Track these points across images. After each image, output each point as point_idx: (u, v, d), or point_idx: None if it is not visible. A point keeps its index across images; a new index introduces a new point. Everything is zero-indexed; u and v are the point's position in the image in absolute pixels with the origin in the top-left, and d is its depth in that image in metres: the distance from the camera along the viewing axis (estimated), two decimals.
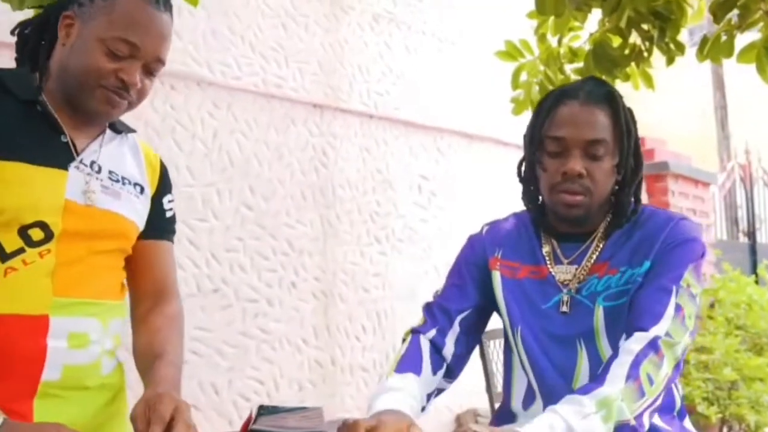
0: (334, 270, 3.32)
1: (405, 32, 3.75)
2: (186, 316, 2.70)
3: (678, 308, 1.30)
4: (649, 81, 2.75)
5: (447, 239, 3.80)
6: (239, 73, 3.10)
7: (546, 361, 1.40)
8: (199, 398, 2.85)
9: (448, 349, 1.44)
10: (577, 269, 1.43)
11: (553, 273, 1.44)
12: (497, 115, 4.01)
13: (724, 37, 2.39)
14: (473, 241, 1.55)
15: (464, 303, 1.48)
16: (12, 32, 1.28)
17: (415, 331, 1.47)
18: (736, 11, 2.35)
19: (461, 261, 1.53)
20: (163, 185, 1.37)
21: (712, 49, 2.36)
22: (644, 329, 1.27)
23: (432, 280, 3.71)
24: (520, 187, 1.53)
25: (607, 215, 1.45)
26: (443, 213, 3.81)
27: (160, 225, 1.35)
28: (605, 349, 1.37)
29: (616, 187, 1.42)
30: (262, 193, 3.12)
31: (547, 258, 1.46)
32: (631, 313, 1.32)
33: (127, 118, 1.32)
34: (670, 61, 2.61)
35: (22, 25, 1.28)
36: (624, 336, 1.30)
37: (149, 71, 1.21)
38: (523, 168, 1.50)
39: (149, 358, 1.20)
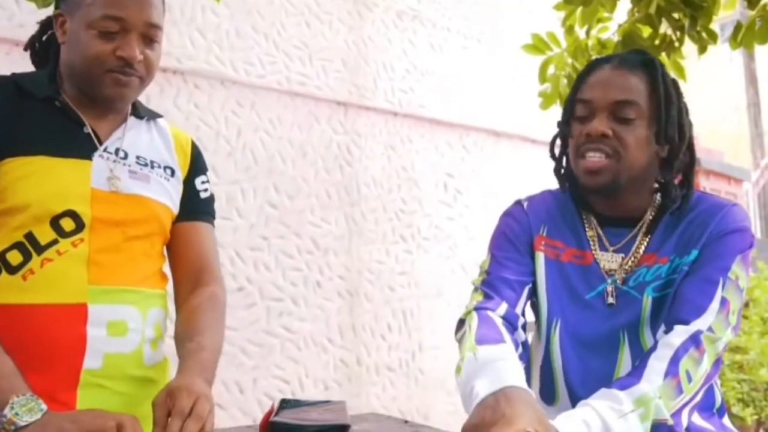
0: (359, 268, 3.29)
1: (429, 29, 3.71)
2: None
3: (723, 302, 1.22)
4: (680, 71, 2.67)
5: (473, 237, 3.75)
6: (263, 72, 3.08)
7: (581, 368, 1.31)
8: (223, 396, 2.83)
9: (522, 323, 1.31)
10: (624, 259, 1.33)
11: (598, 260, 1.34)
12: (524, 112, 3.95)
13: (758, 24, 2.32)
14: (516, 215, 1.42)
15: (527, 275, 1.36)
16: (25, 48, 1.32)
17: (480, 309, 1.29)
18: None
19: (508, 233, 1.39)
20: (196, 167, 1.35)
21: (746, 36, 2.29)
22: (686, 322, 1.19)
23: (458, 279, 3.67)
24: (548, 184, 1.44)
25: (655, 201, 1.35)
26: (469, 211, 3.76)
27: (194, 206, 1.32)
28: (648, 340, 1.28)
29: (659, 169, 1.31)
30: (286, 191, 3.10)
31: (591, 243, 1.36)
32: (673, 304, 1.24)
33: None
34: (702, 50, 2.53)
35: (32, 39, 1.31)
36: (664, 327, 1.22)
37: (148, 40, 1.19)
38: (557, 143, 1.39)
39: (183, 341, 1.18)
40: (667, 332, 1.20)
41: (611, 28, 2.73)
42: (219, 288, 1.30)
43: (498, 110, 3.94)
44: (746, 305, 4.47)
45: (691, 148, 1.35)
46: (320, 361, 3.13)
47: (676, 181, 1.33)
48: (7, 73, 1.24)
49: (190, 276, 1.29)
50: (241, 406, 2.88)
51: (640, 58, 1.31)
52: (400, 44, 3.57)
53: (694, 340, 1.17)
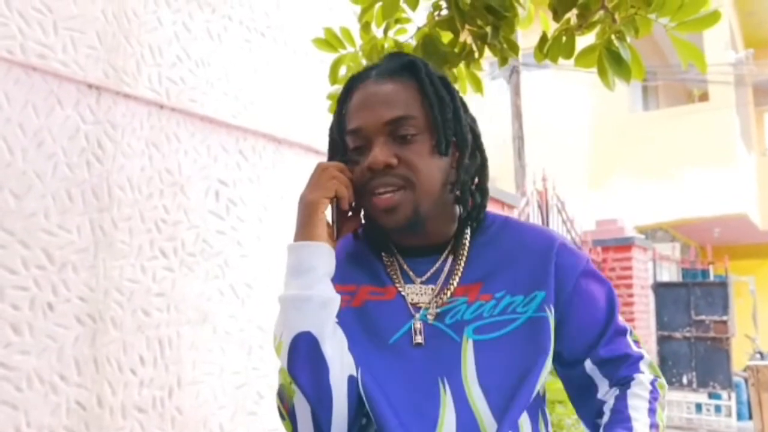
0: (106, 288, 2.70)
1: (208, 15, 3.25)
2: None
3: (636, 344, 1.20)
4: (477, 84, 2.54)
5: (247, 255, 3.32)
6: None
7: (394, 418, 1.02)
8: None
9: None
10: (434, 290, 1.10)
11: (403, 293, 1.10)
12: (309, 120, 3.63)
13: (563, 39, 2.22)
14: None
15: None
16: None
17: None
18: (575, 11, 2.19)
19: None
20: None
21: (552, 49, 2.18)
22: (633, 375, 1.16)
23: (228, 302, 3.21)
24: None
25: (454, 217, 1.14)
26: (243, 225, 3.33)
27: None
28: (474, 393, 1.03)
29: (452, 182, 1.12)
30: (11, 188, 2.44)
31: (393, 277, 1.12)
32: (606, 363, 1.16)
33: None
34: (503, 61, 2.41)
35: None
36: (611, 389, 1.16)
37: None
38: None
39: None
40: (622, 387, 1.15)
41: (410, 30, 2.54)
42: None
43: (280, 115, 3.57)
44: None
45: (480, 149, 1.16)
46: (48, 404, 2.49)
47: (473, 186, 1.14)
48: None
49: None
50: None
51: (400, 62, 1.11)
52: (171, 26, 3.06)
53: (654, 386, 1.15)
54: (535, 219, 6.06)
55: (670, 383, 8.75)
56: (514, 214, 5.33)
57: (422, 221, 1.08)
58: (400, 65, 1.11)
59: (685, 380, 8.68)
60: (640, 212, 10.10)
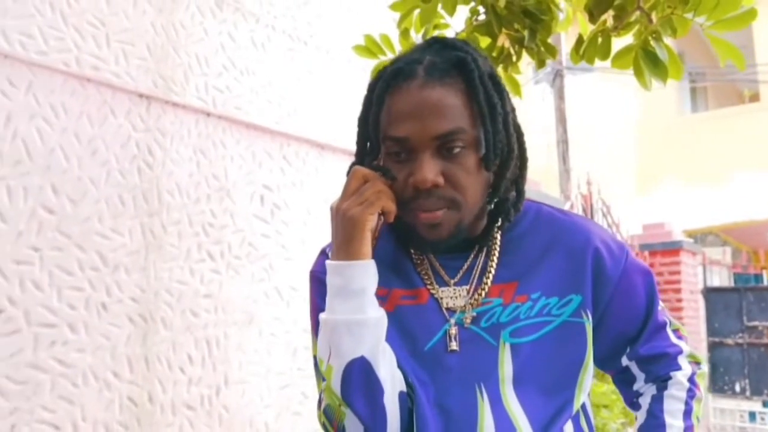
0: (156, 289, 2.81)
1: (252, 24, 3.35)
2: None
3: (676, 333, 1.20)
4: (516, 88, 2.56)
5: (291, 258, 3.40)
6: (45, 48, 2.54)
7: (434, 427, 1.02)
8: None
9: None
10: (468, 291, 1.08)
11: (437, 297, 1.09)
12: (351, 125, 3.70)
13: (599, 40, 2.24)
14: (323, 276, 1.11)
15: None
16: None
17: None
18: (611, 12, 2.20)
19: (324, 306, 1.08)
20: None
21: (588, 50, 2.19)
22: (672, 371, 1.18)
23: (273, 304, 3.30)
24: None
25: (484, 212, 1.12)
26: (288, 229, 3.41)
27: None
28: (512, 403, 1.02)
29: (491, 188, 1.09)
30: (68, 193, 2.56)
31: (425, 279, 1.11)
32: (644, 361, 1.18)
33: None
34: (541, 64, 2.43)
35: None
36: (648, 383, 1.19)
37: None
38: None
39: None
40: (660, 386, 1.17)
41: (448, 36, 2.57)
42: None
43: (323, 121, 3.65)
44: None
45: (523, 156, 1.13)
46: (102, 400, 2.60)
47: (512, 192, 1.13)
48: None
49: None
50: None
51: (450, 58, 1.04)
52: (217, 37, 3.17)
53: (692, 382, 1.17)
54: None
55: (721, 391, 8.55)
56: None
57: (462, 232, 1.06)
58: (449, 63, 1.03)
59: (737, 388, 8.46)
60: (690, 216, 9.91)
